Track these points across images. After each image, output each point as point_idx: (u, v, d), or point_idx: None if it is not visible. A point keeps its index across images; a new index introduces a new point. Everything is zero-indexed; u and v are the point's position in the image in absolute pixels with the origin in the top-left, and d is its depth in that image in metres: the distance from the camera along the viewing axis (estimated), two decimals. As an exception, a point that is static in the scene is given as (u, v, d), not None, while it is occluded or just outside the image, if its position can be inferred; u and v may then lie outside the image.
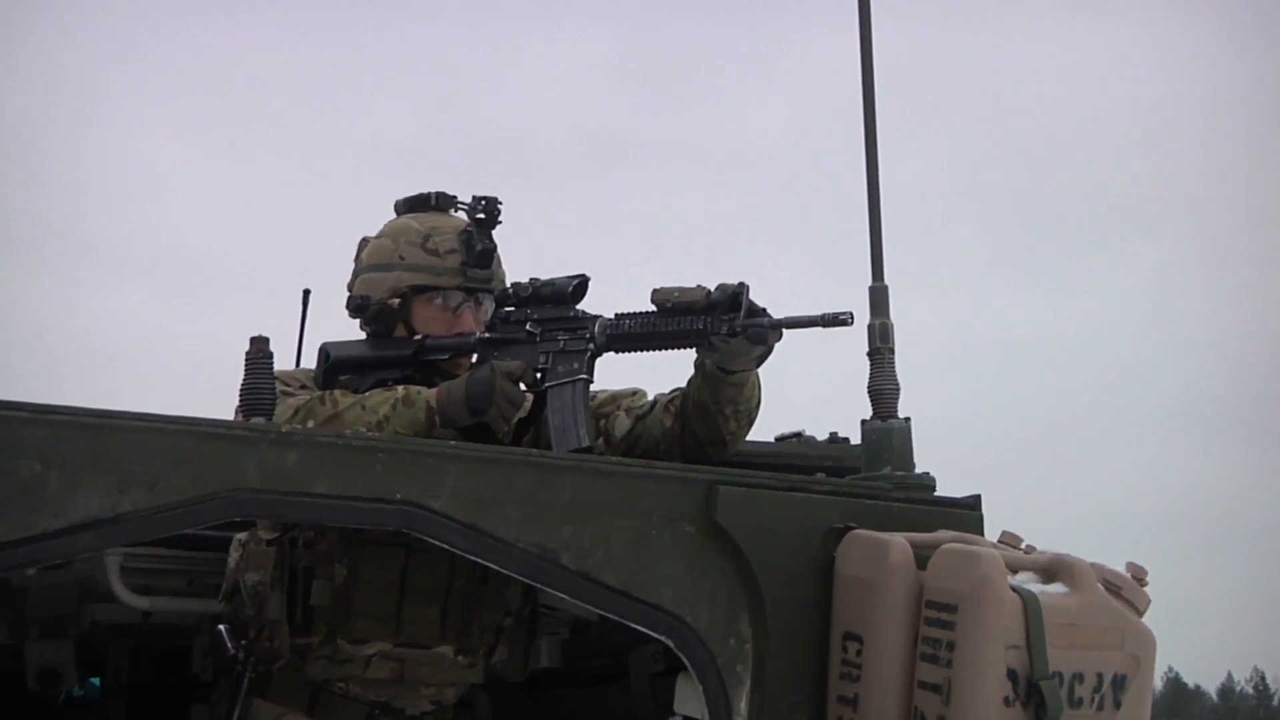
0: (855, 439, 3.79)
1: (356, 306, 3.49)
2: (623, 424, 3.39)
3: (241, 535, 3.35)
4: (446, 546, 2.68)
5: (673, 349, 3.21)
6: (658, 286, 3.15)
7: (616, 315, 3.26)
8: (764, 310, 3.07)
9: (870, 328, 3.16)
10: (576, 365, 3.26)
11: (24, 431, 2.42)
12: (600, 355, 3.27)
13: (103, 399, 2.60)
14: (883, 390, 3.14)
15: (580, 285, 3.33)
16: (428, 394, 3.25)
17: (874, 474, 3.09)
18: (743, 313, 3.05)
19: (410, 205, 3.55)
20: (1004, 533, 2.91)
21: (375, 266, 3.49)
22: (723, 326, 3.07)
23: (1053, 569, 2.79)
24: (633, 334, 3.23)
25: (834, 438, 3.76)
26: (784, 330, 3.08)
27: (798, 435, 3.79)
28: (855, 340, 3.19)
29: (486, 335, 3.38)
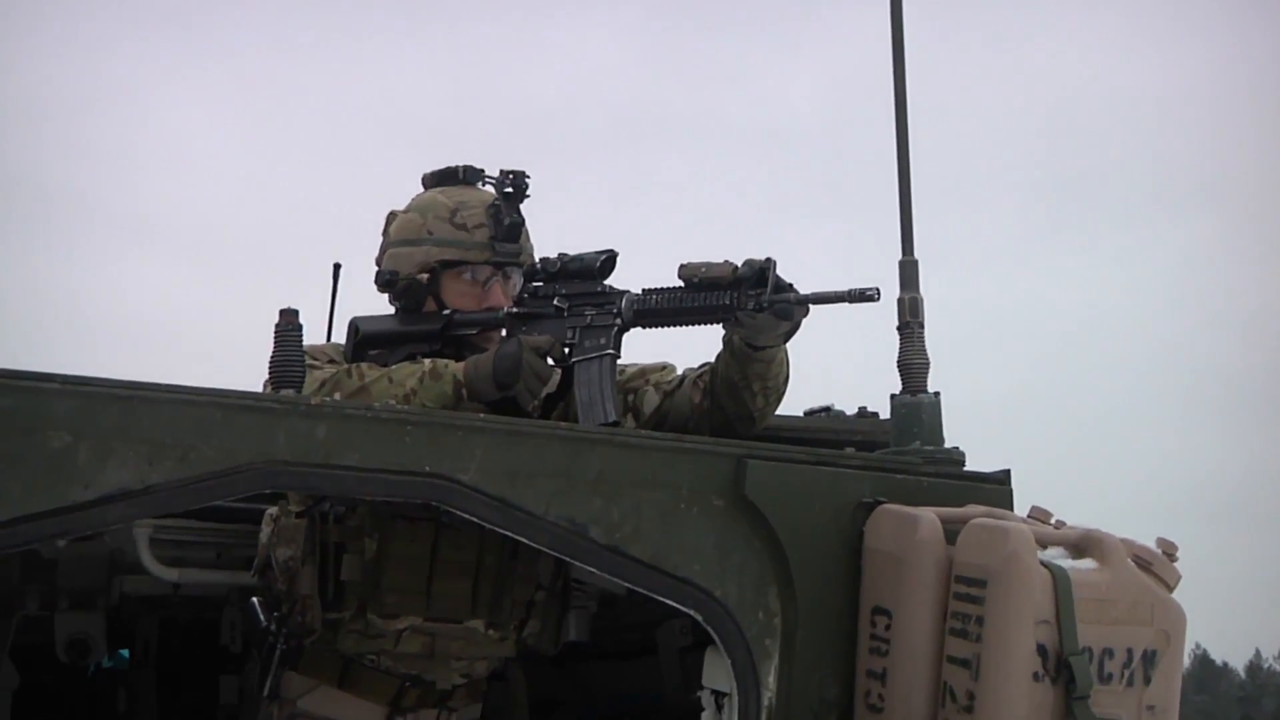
0: (884, 414, 3.79)
1: (385, 282, 3.49)
2: (651, 399, 3.39)
3: (273, 510, 3.36)
4: (476, 520, 2.69)
5: (700, 324, 3.20)
6: (685, 262, 3.15)
7: (644, 290, 3.26)
8: (790, 286, 3.07)
9: (900, 302, 3.15)
10: (604, 340, 3.25)
11: (55, 402, 2.42)
12: (627, 330, 3.27)
13: (135, 370, 2.61)
14: (912, 365, 3.13)
15: (608, 260, 3.32)
16: (455, 367, 3.25)
17: (903, 449, 3.08)
18: (769, 288, 3.05)
19: (438, 179, 3.55)
20: (1033, 508, 2.90)
21: (404, 241, 3.49)
22: (749, 302, 3.08)
23: (1083, 544, 2.77)
24: (659, 309, 3.22)
25: (863, 412, 3.75)
26: (810, 306, 3.07)
27: (827, 410, 3.79)
28: (884, 315, 3.18)
29: (515, 310, 3.38)
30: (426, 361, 3.28)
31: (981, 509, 2.84)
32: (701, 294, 3.15)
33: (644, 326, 3.27)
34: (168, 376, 2.54)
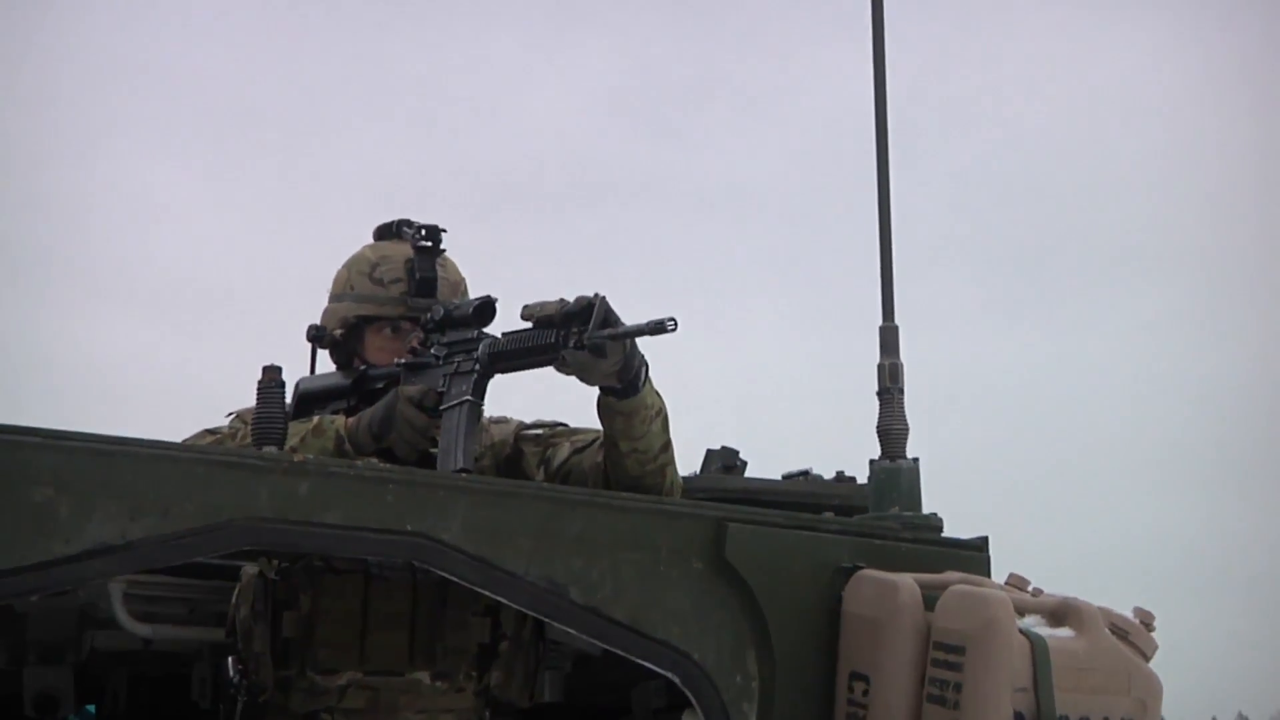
0: (861, 478, 3.81)
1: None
2: (561, 453, 3.38)
3: (249, 567, 3.35)
4: (456, 579, 2.68)
5: (538, 366, 3.16)
6: (528, 302, 3.10)
7: (502, 334, 3.25)
8: (619, 322, 3.00)
9: (880, 367, 3.17)
10: (465, 387, 3.23)
11: (36, 456, 2.41)
12: (491, 376, 3.25)
13: (103, 425, 2.60)
14: (891, 430, 3.14)
15: (483, 306, 3.30)
16: (340, 422, 3.28)
17: (882, 514, 3.09)
18: (591, 324, 2.98)
19: (378, 233, 3.59)
20: (1011, 575, 2.91)
21: (332, 296, 3.54)
22: (571, 339, 3.02)
23: (1060, 612, 2.79)
24: (504, 351, 3.20)
25: (840, 476, 3.77)
26: (631, 342, 3.02)
27: (804, 474, 3.80)
28: (862, 381, 3.20)
29: (404, 361, 3.38)
30: (315, 418, 3.31)
31: (960, 575, 2.85)
32: (537, 333, 3.11)
33: (500, 371, 3.24)
34: (137, 431, 2.52)
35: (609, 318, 2.99)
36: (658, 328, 2.91)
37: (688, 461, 3.97)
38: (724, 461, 4.22)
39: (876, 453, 3.17)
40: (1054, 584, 2.92)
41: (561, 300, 3.05)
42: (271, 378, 2.88)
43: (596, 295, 3.01)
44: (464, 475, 2.88)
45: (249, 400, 2.96)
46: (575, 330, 3.01)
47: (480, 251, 3.58)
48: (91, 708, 4.84)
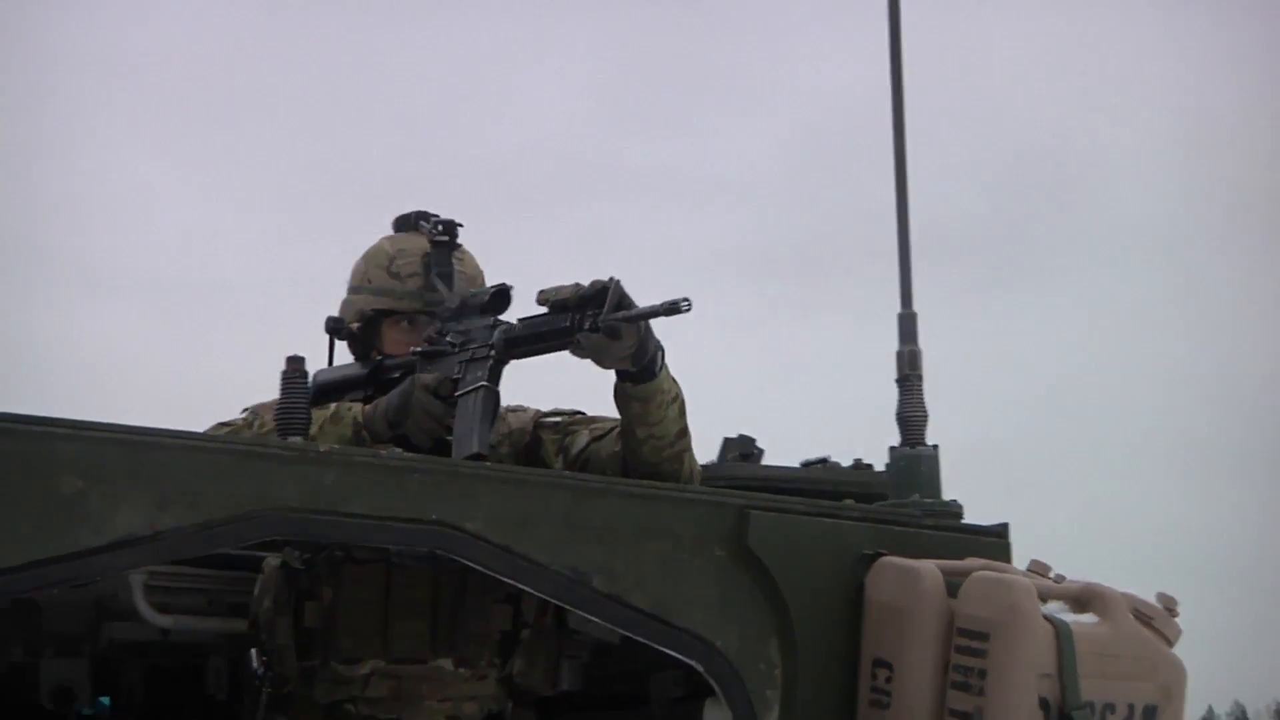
0: (879, 465, 3.81)
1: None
2: (580, 441, 3.38)
3: (271, 559, 3.36)
4: (479, 567, 2.68)
5: (553, 350, 3.17)
6: (543, 287, 3.11)
7: (518, 320, 3.25)
8: (633, 304, 3.01)
9: (899, 355, 3.18)
10: (480, 374, 3.23)
11: (65, 447, 2.41)
12: (506, 362, 3.25)
13: (94, 414, 2.58)
14: (911, 417, 3.16)
15: (498, 294, 3.32)
16: (357, 409, 3.29)
17: (902, 501, 3.10)
18: (606, 307, 2.99)
19: (396, 226, 3.60)
20: (1033, 561, 2.91)
21: (351, 289, 3.55)
22: (586, 322, 3.02)
23: (1084, 598, 2.80)
24: (520, 337, 3.21)
25: (858, 464, 3.77)
26: (646, 325, 3.03)
27: (823, 461, 3.81)
28: (881, 368, 3.20)
29: (421, 349, 3.39)
30: (331, 406, 3.32)
31: (982, 562, 2.85)
32: (551, 318, 3.12)
33: (515, 356, 3.24)
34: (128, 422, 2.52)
35: (623, 301, 3.00)
36: (672, 308, 2.92)
37: (704, 450, 3.97)
38: (741, 450, 4.23)
39: (894, 440, 3.18)
40: (1067, 572, 2.92)
41: (576, 284, 3.05)
42: (295, 368, 2.88)
43: (611, 279, 3.02)
44: (486, 464, 2.88)
45: (245, 392, 2.96)
46: (590, 314, 3.01)
47: (472, 245, 3.59)
48: (106, 699, 4.85)
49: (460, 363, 3.28)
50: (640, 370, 3.11)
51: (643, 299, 2.98)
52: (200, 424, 3.28)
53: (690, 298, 2.91)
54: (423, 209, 3.57)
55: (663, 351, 3.15)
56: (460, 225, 3.53)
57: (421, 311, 3.47)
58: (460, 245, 3.53)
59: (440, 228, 3.50)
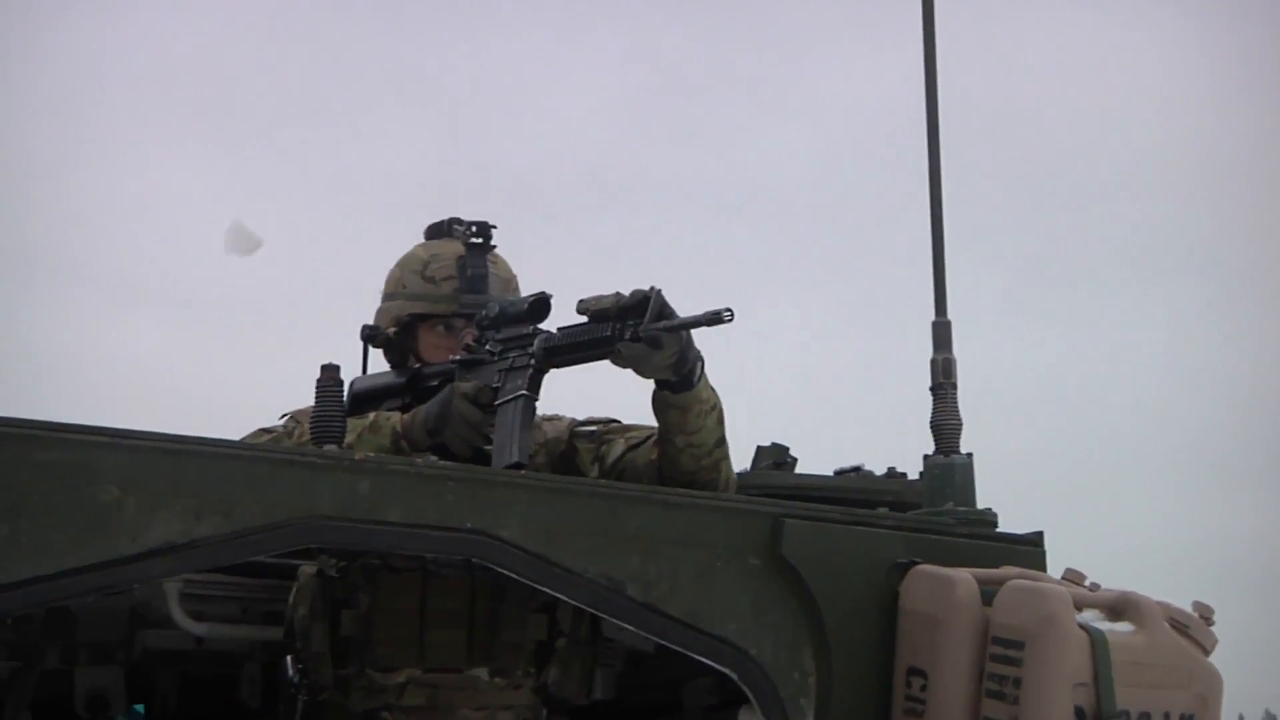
0: (913, 474, 3.80)
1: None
2: (617, 449, 3.38)
3: (306, 567, 3.37)
4: (515, 576, 2.69)
5: (594, 360, 3.16)
6: (583, 296, 3.11)
7: (558, 329, 3.24)
8: (674, 314, 3.00)
9: (933, 363, 3.17)
10: (520, 382, 3.22)
11: (103, 456, 2.43)
12: (546, 371, 3.24)
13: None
14: (945, 426, 3.15)
15: (538, 303, 3.30)
16: (396, 419, 3.29)
17: (936, 509, 3.09)
18: (647, 317, 2.98)
19: (429, 232, 3.62)
20: (1068, 570, 2.90)
21: (386, 295, 3.58)
22: (627, 332, 3.02)
23: (1119, 607, 2.78)
24: (559, 346, 3.20)
25: (892, 472, 3.76)
26: (686, 335, 3.03)
27: (857, 469, 3.80)
28: (915, 376, 3.20)
29: (459, 358, 3.39)
30: (371, 415, 3.32)
31: (1017, 570, 2.85)
32: (592, 326, 3.11)
33: (555, 366, 3.24)
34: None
35: (664, 310, 2.99)
36: (714, 318, 2.91)
37: (738, 459, 3.96)
38: (774, 458, 4.22)
39: (927, 449, 3.18)
40: (1102, 580, 2.91)
41: (617, 294, 3.05)
42: (331, 376, 2.89)
43: (652, 288, 3.02)
44: (522, 472, 2.88)
45: (256, 402, 2.97)
46: (631, 323, 3.01)
47: (502, 254, 3.60)
48: (140, 707, 4.87)
49: (500, 371, 3.28)
50: (680, 379, 3.11)
51: (679, 309, 2.98)
52: (232, 433, 3.30)
53: (731, 308, 2.90)
54: (456, 216, 3.59)
55: (702, 361, 3.15)
56: (494, 227, 3.55)
57: (458, 314, 3.49)
58: (494, 248, 3.56)
59: (474, 229, 3.53)
